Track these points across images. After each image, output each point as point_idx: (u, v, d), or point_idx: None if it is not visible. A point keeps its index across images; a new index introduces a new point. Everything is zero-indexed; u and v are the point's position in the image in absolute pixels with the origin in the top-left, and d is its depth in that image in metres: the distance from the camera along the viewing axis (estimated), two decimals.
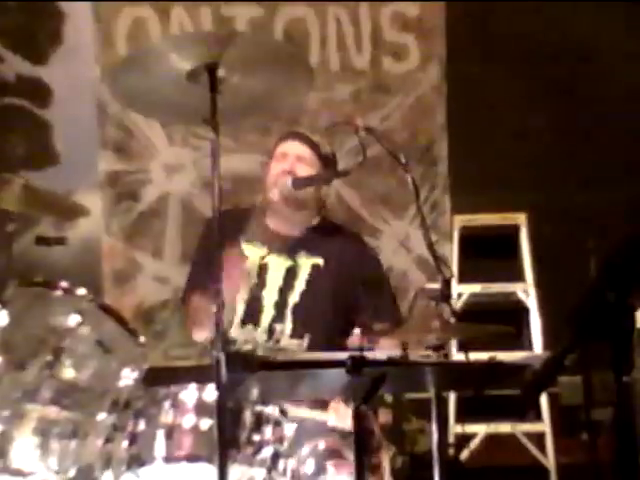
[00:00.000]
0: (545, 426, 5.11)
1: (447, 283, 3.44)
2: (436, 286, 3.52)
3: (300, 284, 3.59)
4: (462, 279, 5.31)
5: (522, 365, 3.20)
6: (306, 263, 3.61)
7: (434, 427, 3.12)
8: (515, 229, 5.41)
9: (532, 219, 5.43)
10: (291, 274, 3.60)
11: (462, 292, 5.29)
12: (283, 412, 3.04)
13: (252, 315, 3.56)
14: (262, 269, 3.60)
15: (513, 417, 5.07)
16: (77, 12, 5.46)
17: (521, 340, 5.25)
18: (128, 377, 2.93)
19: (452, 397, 5.07)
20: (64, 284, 2.96)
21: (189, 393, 2.97)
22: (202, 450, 2.91)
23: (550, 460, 5.07)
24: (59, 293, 2.95)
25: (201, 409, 2.94)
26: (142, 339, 2.98)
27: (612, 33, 5.50)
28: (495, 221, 5.42)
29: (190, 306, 3.62)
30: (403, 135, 5.54)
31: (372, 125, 5.26)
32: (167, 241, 5.40)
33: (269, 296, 3.57)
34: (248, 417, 2.93)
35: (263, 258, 3.61)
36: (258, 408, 2.96)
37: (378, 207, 5.53)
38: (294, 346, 3.55)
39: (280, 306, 3.57)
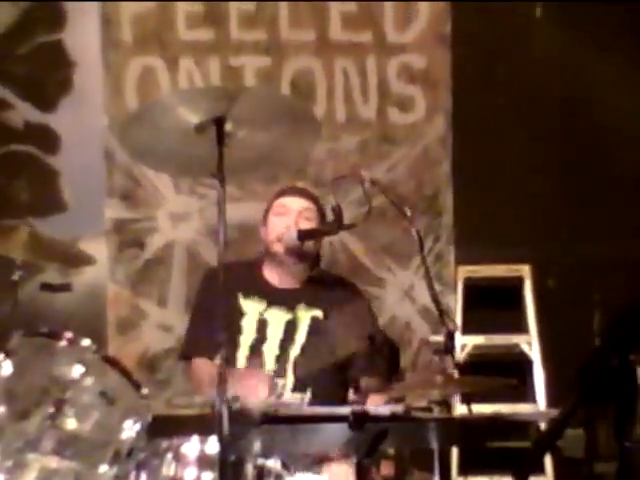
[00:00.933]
0: (548, 479, 5.08)
1: (451, 336, 3.44)
2: (440, 339, 3.52)
3: (301, 337, 3.60)
4: (466, 330, 5.30)
5: (526, 421, 3.20)
6: (305, 315, 3.63)
7: None
8: (519, 281, 5.41)
9: (536, 271, 5.43)
10: (291, 327, 3.62)
11: (466, 343, 5.29)
12: (285, 465, 3.04)
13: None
14: (261, 324, 3.61)
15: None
16: (86, 61, 5.50)
17: (524, 392, 5.23)
18: (130, 429, 2.94)
19: (455, 449, 5.05)
20: (69, 335, 2.97)
21: (191, 446, 2.97)
22: None
23: None
24: (63, 344, 2.96)
25: (203, 462, 2.94)
26: (145, 391, 2.98)
27: (621, 86, 5.53)
28: (499, 273, 5.42)
29: (194, 370, 3.63)
30: (409, 186, 5.56)
31: (378, 176, 5.36)
32: (172, 289, 5.39)
33: (270, 350, 3.58)
34: (250, 470, 2.93)
35: (262, 313, 3.62)
36: (260, 461, 2.96)
37: (382, 256, 5.53)
38: (296, 400, 3.55)
39: (281, 360, 3.58)
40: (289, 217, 3.65)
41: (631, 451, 1.75)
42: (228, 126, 2.93)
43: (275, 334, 3.59)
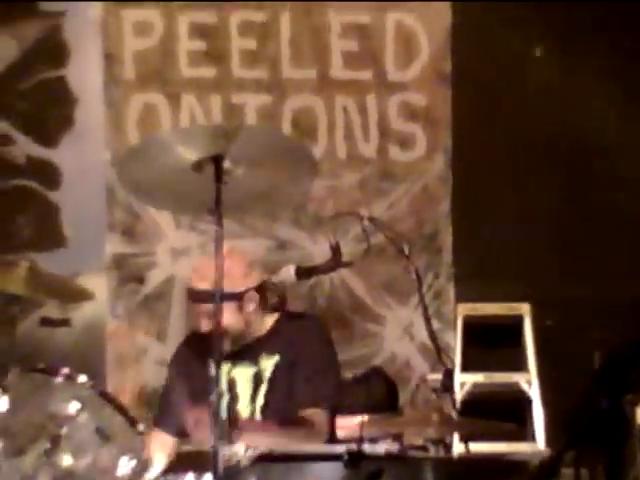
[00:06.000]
0: None
1: (449, 374, 3.45)
2: (438, 377, 3.52)
3: (264, 386, 3.60)
4: (465, 368, 5.29)
5: (523, 462, 3.20)
6: (268, 364, 3.62)
7: None
8: (519, 319, 5.40)
9: (536, 309, 5.43)
10: (257, 379, 3.62)
11: (465, 381, 5.26)
12: None
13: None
14: (231, 384, 3.59)
15: None
16: (88, 96, 5.52)
17: (524, 431, 5.21)
18: (126, 465, 2.94)
19: None
20: (65, 371, 2.99)
21: None
22: None
23: None
24: (60, 380, 2.97)
25: None
26: (141, 427, 2.99)
27: (620, 124, 5.55)
28: (499, 311, 5.41)
29: (150, 440, 3.63)
30: (408, 223, 5.57)
31: (378, 213, 5.38)
32: (171, 324, 5.38)
33: (243, 408, 3.58)
34: None
35: (229, 372, 3.61)
36: None
37: (382, 294, 5.53)
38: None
39: (252, 413, 3.59)
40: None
41: None
42: (226, 164, 2.95)
43: (244, 391, 3.59)
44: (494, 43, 5.64)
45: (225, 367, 3.58)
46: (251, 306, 3.62)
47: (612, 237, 5.51)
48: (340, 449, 2.78)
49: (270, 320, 3.70)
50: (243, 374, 3.61)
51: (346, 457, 2.74)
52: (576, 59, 5.62)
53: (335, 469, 2.76)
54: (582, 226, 5.54)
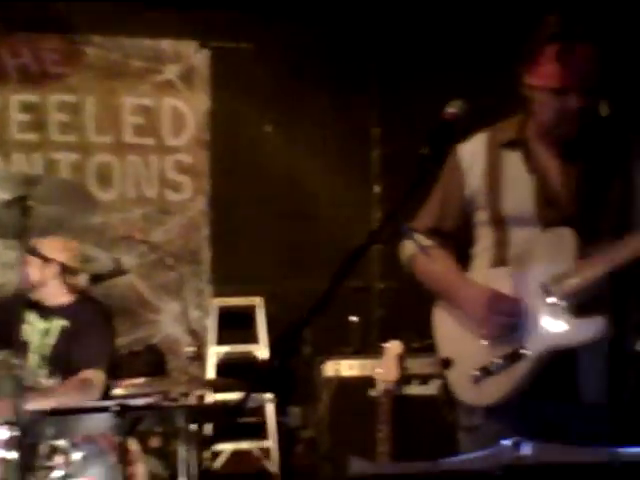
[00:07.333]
0: (271, 443, 5.10)
1: (199, 347, 3.47)
2: (194, 349, 3.54)
3: (51, 340, 3.52)
4: (219, 342, 5.32)
5: (241, 407, 3.25)
6: (57, 324, 3.54)
7: (184, 449, 3.09)
8: (255, 308, 5.49)
9: (268, 301, 5.53)
10: (45, 334, 3.52)
11: (219, 351, 5.30)
12: (74, 444, 2.93)
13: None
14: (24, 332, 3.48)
15: (250, 437, 5.09)
16: None
17: (259, 385, 5.26)
18: None
19: (209, 425, 5.01)
20: None
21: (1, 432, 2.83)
22: (9, 476, 2.77)
23: (275, 466, 5.06)
24: None
25: (9, 444, 2.81)
26: None
27: (325, 180, 5.74)
28: (241, 302, 5.48)
29: None
30: (179, 243, 5.54)
31: (158, 237, 5.34)
32: None
33: (32, 356, 3.46)
34: (43, 449, 2.82)
35: (29, 322, 3.51)
36: (52, 442, 2.85)
37: (160, 292, 5.45)
38: (50, 384, 3.44)
39: (38, 363, 3.48)
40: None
41: (285, 424, 1.82)
42: (30, 202, 2.87)
43: (34, 340, 3.48)
44: (239, 121, 5.71)
45: (29, 318, 3.48)
46: (51, 271, 3.50)
47: (317, 253, 5.70)
48: (111, 403, 2.73)
49: (69, 296, 3.59)
50: (35, 325, 3.49)
51: (116, 408, 2.70)
52: (295, 135, 5.78)
53: (108, 418, 2.71)
54: (297, 245, 5.72)
